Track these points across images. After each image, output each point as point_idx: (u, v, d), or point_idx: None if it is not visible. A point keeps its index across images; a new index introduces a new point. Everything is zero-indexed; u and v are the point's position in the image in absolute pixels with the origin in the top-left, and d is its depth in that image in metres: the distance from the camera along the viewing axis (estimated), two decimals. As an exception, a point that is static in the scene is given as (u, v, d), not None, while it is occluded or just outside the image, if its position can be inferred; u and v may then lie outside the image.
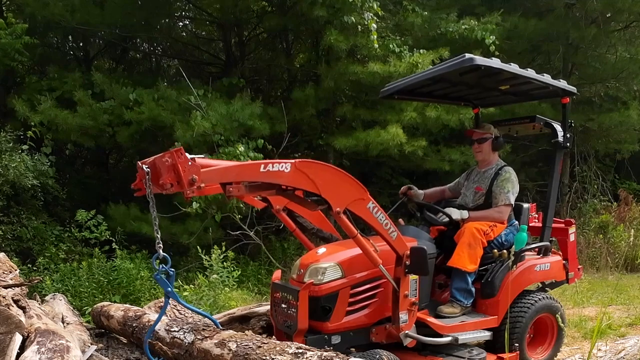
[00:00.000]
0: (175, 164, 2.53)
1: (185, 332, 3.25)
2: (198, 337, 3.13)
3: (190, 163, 2.58)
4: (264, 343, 2.70)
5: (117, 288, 6.68)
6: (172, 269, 2.93)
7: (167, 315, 3.55)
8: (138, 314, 3.95)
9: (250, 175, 2.81)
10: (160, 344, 3.29)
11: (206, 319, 3.45)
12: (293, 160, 2.91)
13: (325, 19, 7.99)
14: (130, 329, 3.84)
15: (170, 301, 3.10)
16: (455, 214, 4.10)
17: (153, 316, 3.75)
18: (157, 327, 3.33)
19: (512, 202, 4.19)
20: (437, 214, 4.30)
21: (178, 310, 4.25)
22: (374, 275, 3.62)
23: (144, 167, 2.65)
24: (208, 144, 7.46)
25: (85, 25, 8.83)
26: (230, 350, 2.81)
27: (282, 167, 2.85)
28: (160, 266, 2.87)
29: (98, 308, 4.57)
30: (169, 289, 2.95)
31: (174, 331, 3.31)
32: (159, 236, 2.79)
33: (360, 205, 3.16)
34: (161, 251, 2.83)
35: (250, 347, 2.71)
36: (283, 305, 3.58)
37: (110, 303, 4.77)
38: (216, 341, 2.98)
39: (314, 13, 7.80)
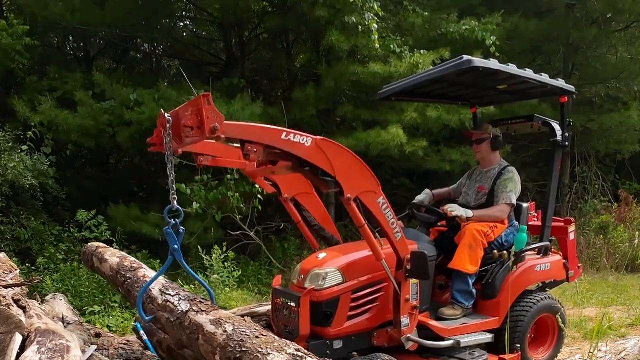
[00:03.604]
0: (200, 109, 2.47)
1: (180, 299, 3.06)
2: (194, 308, 2.92)
3: (214, 111, 2.51)
4: (263, 335, 2.55)
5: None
6: (183, 227, 2.85)
7: (164, 276, 3.32)
8: (134, 265, 3.75)
9: (271, 140, 2.77)
10: (151, 305, 3.14)
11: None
12: (315, 136, 2.89)
13: (326, 19, 7.99)
14: (122, 279, 3.65)
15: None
16: (460, 211, 4.09)
17: (149, 273, 3.62)
18: (151, 286, 3.20)
19: (514, 202, 4.19)
20: (437, 213, 4.30)
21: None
22: (375, 279, 3.61)
23: (167, 115, 2.58)
24: (208, 144, 7.48)
25: (86, 25, 8.83)
26: (225, 331, 2.61)
27: (303, 140, 2.83)
28: (172, 220, 2.78)
29: (92, 247, 4.32)
30: (176, 246, 2.84)
31: (169, 294, 3.13)
32: (174, 187, 2.70)
33: (371, 197, 3.13)
34: (175, 203, 2.72)
35: (247, 335, 2.53)
36: (284, 311, 3.57)
37: (106, 246, 4.50)
38: (212, 318, 2.78)
39: (314, 13, 7.81)
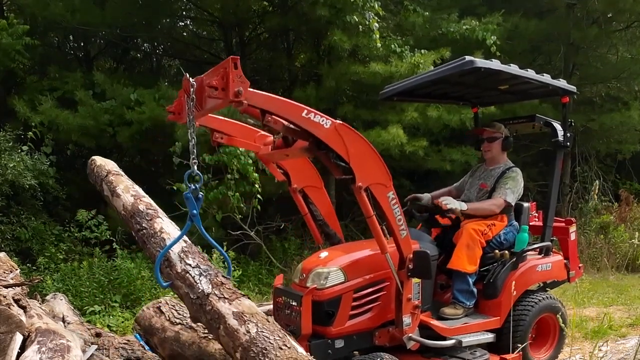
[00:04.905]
0: (227, 71, 2.47)
1: (201, 273, 2.93)
2: (215, 292, 2.80)
3: (240, 76, 2.50)
4: (286, 346, 2.48)
5: (117, 288, 6.69)
6: (202, 192, 2.82)
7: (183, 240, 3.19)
8: (150, 212, 3.51)
9: (291, 115, 2.78)
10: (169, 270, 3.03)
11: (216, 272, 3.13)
12: (335, 120, 2.90)
13: (326, 19, 7.98)
14: (137, 225, 3.47)
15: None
16: (455, 204, 4.08)
17: (165, 225, 3.43)
18: (171, 248, 3.09)
19: (509, 198, 4.15)
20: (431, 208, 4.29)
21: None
22: (377, 278, 3.62)
23: (191, 80, 2.57)
24: (208, 144, 7.48)
25: (86, 25, 8.84)
26: (248, 331, 2.54)
27: (323, 121, 2.84)
28: (192, 184, 2.74)
29: (102, 171, 4.02)
30: (195, 211, 2.80)
31: (189, 264, 3.01)
32: (195, 151, 2.68)
33: (381, 190, 3.12)
34: (195, 167, 2.69)
35: (270, 343, 2.46)
36: (286, 310, 3.57)
37: (118, 172, 4.03)
38: (235, 310, 2.68)
39: (315, 13, 7.80)
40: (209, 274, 2.95)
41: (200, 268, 2.99)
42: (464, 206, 4.09)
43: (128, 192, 3.76)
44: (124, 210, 3.66)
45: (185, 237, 3.14)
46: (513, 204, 4.21)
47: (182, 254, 3.09)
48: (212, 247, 3.06)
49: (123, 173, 4.12)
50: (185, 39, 11.40)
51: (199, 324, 3.24)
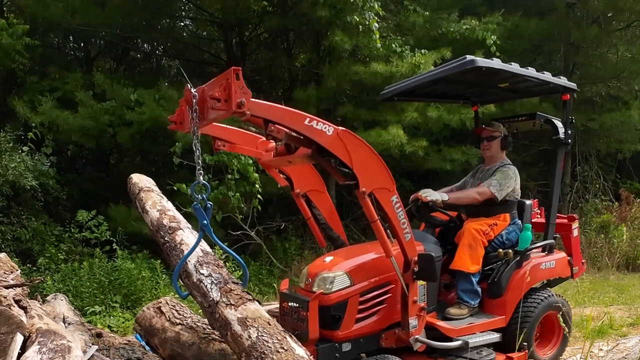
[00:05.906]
0: (230, 82, 2.47)
1: (212, 282, 3.03)
2: (223, 299, 2.89)
3: (242, 87, 2.50)
4: (284, 349, 2.56)
5: (118, 288, 6.68)
6: (210, 202, 2.86)
7: (202, 245, 3.32)
8: (172, 225, 3.69)
9: (294, 123, 2.79)
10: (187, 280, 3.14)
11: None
12: (337, 127, 2.91)
13: (327, 19, 7.98)
14: (162, 239, 3.66)
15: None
16: (435, 195, 4.05)
17: (185, 236, 3.58)
18: (188, 258, 3.18)
19: (494, 190, 4.11)
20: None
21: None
22: (382, 281, 3.62)
23: (193, 90, 2.58)
24: (209, 144, 7.49)
25: (86, 25, 8.84)
26: (249, 337, 2.64)
27: (325, 128, 2.84)
28: (199, 195, 2.78)
29: (135, 188, 4.20)
30: (205, 221, 2.85)
31: (202, 274, 3.11)
32: (200, 162, 2.72)
33: (385, 194, 3.13)
34: (202, 178, 2.72)
35: (268, 346, 2.55)
36: (293, 315, 3.57)
37: (150, 188, 4.24)
38: (239, 315, 2.78)
39: (316, 13, 7.80)
40: (220, 281, 3.03)
41: (212, 277, 3.08)
42: (444, 197, 4.07)
43: (155, 207, 3.94)
44: (151, 226, 3.84)
45: (203, 246, 3.21)
46: (499, 197, 4.14)
47: (197, 265, 3.19)
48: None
49: (155, 188, 4.29)
50: (185, 39, 11.37)
51: (202, 325, 3.27)
